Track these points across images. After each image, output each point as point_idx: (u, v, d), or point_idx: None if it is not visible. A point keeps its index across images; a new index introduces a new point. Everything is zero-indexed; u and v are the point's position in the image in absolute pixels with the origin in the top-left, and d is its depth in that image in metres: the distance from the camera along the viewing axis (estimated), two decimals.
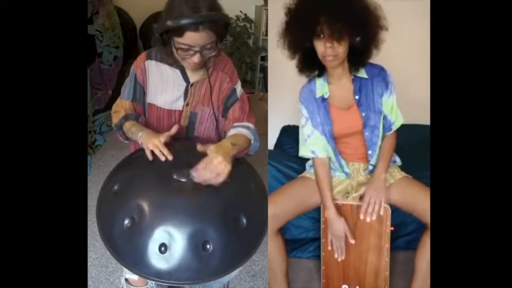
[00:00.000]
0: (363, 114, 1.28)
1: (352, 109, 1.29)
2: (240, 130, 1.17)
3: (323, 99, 1.29)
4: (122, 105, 1.21)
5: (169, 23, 0.97)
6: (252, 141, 1.17)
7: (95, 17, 2.83)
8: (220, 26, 1.02)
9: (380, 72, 1.27)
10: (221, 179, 0.94)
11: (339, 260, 1.29)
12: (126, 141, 1.22)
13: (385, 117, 1.30)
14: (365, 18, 1.15)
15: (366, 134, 1.30)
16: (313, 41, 1.17)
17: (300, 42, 1.20)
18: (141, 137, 1.07)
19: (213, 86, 1.19)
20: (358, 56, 1.22)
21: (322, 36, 1.14)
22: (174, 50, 1.05)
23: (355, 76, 1.28)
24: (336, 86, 1.29)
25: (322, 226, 1.33)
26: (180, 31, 0.97)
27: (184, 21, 0.95)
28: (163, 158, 0.99)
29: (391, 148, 1.31)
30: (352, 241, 1.26)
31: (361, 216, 1.23)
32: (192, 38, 0.98)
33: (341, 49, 1.16)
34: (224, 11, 1.04)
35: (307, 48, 1.20)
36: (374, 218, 1.23)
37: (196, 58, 1.04)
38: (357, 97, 1.28)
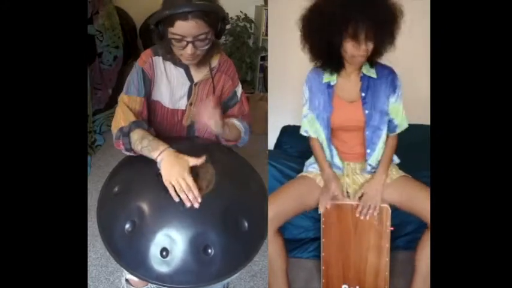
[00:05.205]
0: (366, 112, 1.28)
1: (355, 104, 1.30)
2: (233, 119, 1.22)
3: (328, 85, 1.31)
4: (130, 102, 1.12)
5: (162, 13, 1.01)
6: (242, 134, 1.22)
7: (95, 17, 2.83)
8: (212, 17, 1.03)
9: (389, 75, 1.29)
10: (214, 126, 1.06)
11: (321, 210, 1.30)
12: (127, 152, 1.08)
13: (390, 120, 1.32)
14: (394, 18, 1.16)
15: (367, 133, 1.31)
16: (342, 41, 1.16)
17: (326, 43, 1.19)
18: (161, 161, 0.98)
19: (216, 86, 1.21)
20: (377, 54, 1.23)
21: (355, 38, 1.13)
22: (171, 44, 1.06)
23: (363, 74, 1.29)
24: (343, 78, 1.31)
25: (322, 226, 1.33)
26: (171, 21, 1.00)
27: (173, 10, 0.98)
28: (188, 204, 0.90)
29: (393, 150, 1.34)
30: (343, 197, 1.30)
31: (357, 215, 1.29)
32: (182, 27, 1.00)
33: (370, 47, 1.17)
34: (219, 3, 1.06)
35: (330, 46, 1.19)
36: (368, 218, 1.28)
37: (189, 49, 1.04)
38: (363, 94, 1.29)
